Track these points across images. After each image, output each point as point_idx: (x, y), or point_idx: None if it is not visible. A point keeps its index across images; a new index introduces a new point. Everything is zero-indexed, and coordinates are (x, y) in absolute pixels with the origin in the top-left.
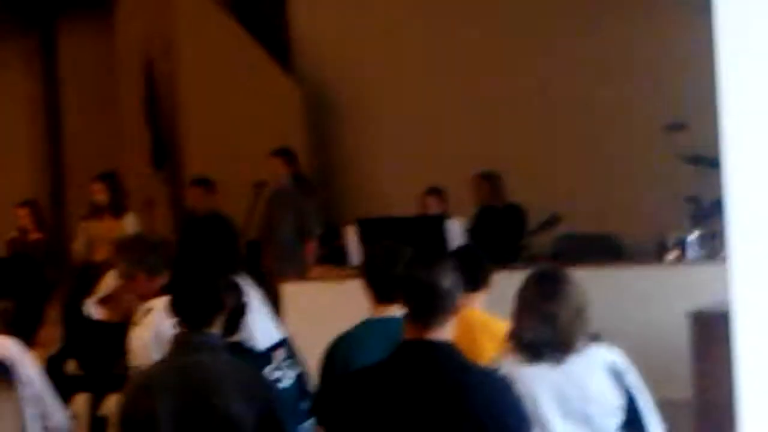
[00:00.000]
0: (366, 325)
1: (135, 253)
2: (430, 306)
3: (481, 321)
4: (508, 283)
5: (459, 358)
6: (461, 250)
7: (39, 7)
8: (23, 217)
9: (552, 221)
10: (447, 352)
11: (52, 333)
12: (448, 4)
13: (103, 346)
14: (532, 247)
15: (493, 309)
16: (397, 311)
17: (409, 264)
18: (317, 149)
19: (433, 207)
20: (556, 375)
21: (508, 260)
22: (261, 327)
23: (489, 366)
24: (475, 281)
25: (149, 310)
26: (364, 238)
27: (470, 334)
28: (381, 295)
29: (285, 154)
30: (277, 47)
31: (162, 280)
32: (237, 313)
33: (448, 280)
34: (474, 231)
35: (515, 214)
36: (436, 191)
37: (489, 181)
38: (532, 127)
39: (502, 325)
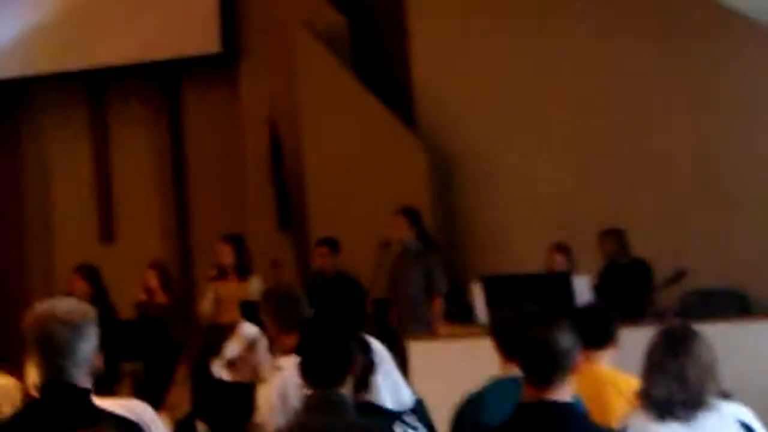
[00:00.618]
0: (495, 384)
1: (268, 306)
2: (547, 366)
3: (610, 378)
4: (635, 339)
5: (580, 420)
6: (589, 306)
7: (166, 68)
8: (151, 278)
9: (678, 276)
10: (567, 413)
11: (180, 394)
12: (571, 61)
13: (232, 408)
14: (658, 303)
15: (620, 366)
16: None
17: (525, 323)
18: (442, 207)
19: (560, 263)
20: None
21: (634, 316)
22: (389, 386)
23: (616, 426)
24: (603, 338)
25: (278, 368)
26: (490, 296)
27: (599, 391)
28: (509, 353)
29: (409, 212)
30: (401, 106)
31: (296, 337)
32: (366, 372)
33: (565, 338)
34: (600, 287)
35: (641, 270)
36: (562, 248)
37: (614, 237)
38: (656, 181)
39: (631, 382)
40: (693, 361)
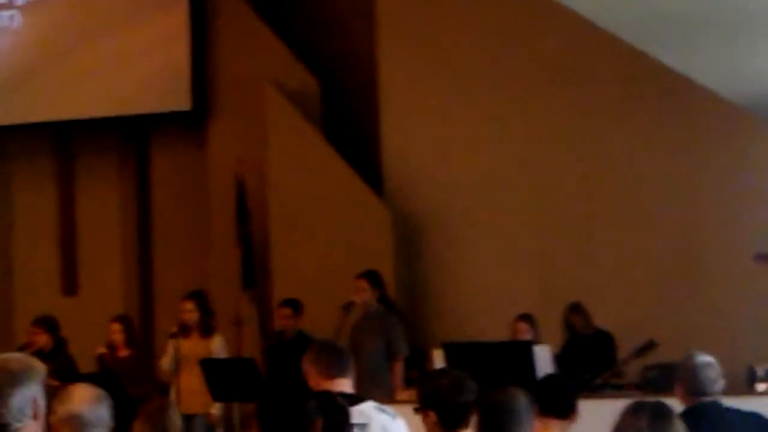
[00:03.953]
0: None
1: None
2: None
3: None
4: (596, 411)
5: None
6: (550, 377)
7: (134, 123)
8: (115, 332)
9: (648, 347)
10: None
11: None
12: (542, 135)
13: None
14: (627, 374)
15: None
16: None
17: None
18: (406, 272)
19: (524, 333)
20: None
21: (596, 388)
22: None
23: None
24: (564, 409)
25: None
26: (451, 362)
27: None
28: (447, 423)
29: (371, 275)
30: (369, 171)
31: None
32: None
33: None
34: (562, 357)
35: (604, 341)
36: (526, 317)
37: (579, 310)
38: (623, 251)
39: None
40: None
